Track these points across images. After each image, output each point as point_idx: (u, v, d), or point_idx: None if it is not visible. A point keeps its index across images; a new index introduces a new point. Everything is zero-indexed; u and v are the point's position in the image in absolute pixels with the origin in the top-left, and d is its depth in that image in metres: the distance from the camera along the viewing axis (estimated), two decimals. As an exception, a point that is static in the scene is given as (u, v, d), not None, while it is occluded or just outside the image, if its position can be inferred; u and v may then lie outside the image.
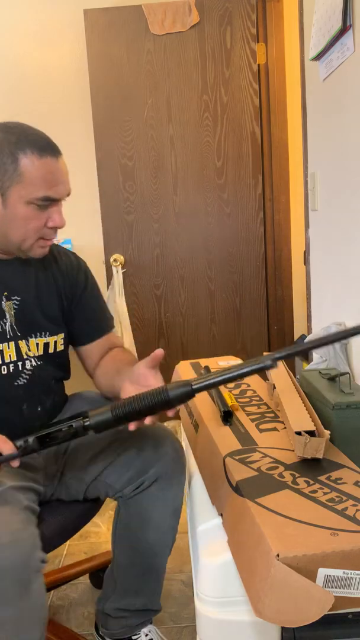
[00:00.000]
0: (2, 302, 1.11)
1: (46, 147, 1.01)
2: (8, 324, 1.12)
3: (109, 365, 1.23)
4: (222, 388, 1.29)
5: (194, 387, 0.84)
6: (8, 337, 1.12)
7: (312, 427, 0.92)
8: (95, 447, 1.17)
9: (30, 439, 0.91)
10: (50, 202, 1.04)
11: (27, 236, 1.05)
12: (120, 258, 2.48)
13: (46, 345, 1.18)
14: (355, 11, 1.18)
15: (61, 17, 2.50)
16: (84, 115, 2.52)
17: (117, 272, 2.45)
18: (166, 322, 2.59)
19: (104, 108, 2.44)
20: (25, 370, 1.14)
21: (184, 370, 1.47)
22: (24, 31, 2.51)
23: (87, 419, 0.90)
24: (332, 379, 1.11)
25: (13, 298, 1.12)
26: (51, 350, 1.19)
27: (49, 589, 1.48)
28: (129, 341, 2.30)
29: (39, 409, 1.18)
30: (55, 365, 1.21)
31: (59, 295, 1.21)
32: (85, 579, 1.53)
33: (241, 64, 2.40)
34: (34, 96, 2.56)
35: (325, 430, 0.92)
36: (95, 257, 2.61)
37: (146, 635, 1.23)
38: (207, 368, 1.38)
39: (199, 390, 0.84)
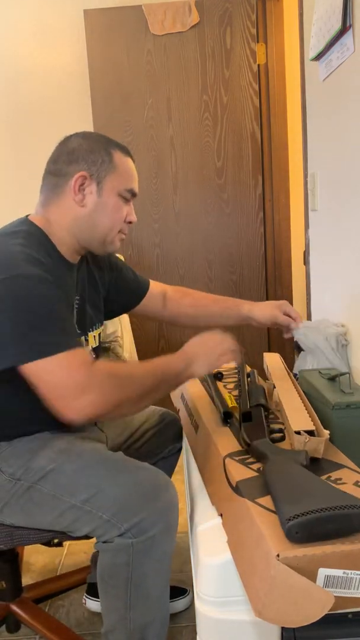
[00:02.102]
0: (76, 305, 1.16)
1: (127, 150, 1.15)
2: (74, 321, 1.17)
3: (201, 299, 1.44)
4: (222, 389, 1.29)
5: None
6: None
7: (311, 427, 0.92)
8: None
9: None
10: (131, 196, 1.14)
11: (114, 226, 1.12)
12: (120, 258, 2.48)
13: (97, 336, 1.26)
14: (355, 11, 1.18)
15: (61, 17, 2.50)
16: (84, 115, 2.52)
17: (117, 272, 2.44)
18: (166, 323, 2.59)
19: (104, 108, 2.44)
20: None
21: (184, 371, 1.47)
22: (23, 31, 2.51)
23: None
24: (332, 379, 1.11)
25: (76, 298, 1.17)
26: (98, 340, 1.28)
27: (48, 597, 1.48)
28: (128, 341, 2.29)
29: None
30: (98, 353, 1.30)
31: (100, 287, 1.28)
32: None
33: (241, 64, 2.40)
34: (34, 96, 2.56)
35: (325, 430, 0.92)
36: (95, 257, 2.61)
37: None
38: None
39: None
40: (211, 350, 1.09)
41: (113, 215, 1.11)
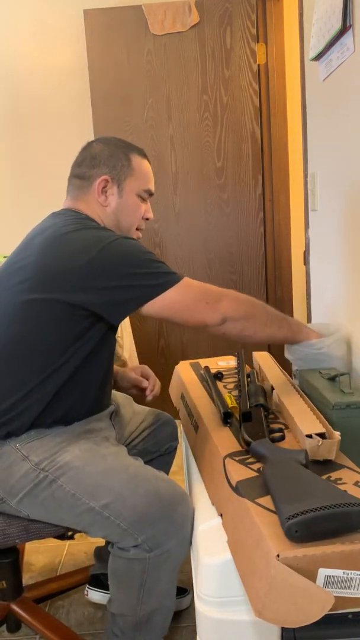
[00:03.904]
0: None
1: (143, 153, 1.25)
2: None
3: None
4: (222, 389, 1.29)
5: None
6: None
7: (321, 429, 0.92)
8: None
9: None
10: (148, 196, 1.25)
11: (133, 223, 1.23)
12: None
13: None
14: (355, 11, 1.18)
15: (61, 17, 2.50)
16: (84, 116, 2.52)
17: (117, 272, 2.44)
18: (166, 322, 2.59)
19: (104, 108, 2.44)
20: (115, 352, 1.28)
21: (184, 371, 1.47)
22: (24, 31, 2.52)
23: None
24: (332, 379, 1.11)
25: None
26: None
27: (49, 597, 1.48)
28: (128, 341, 2.30)
29: (112, 385, 1.28)
30: None
31: None
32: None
33: (241, 64, 2.40)
34: (34, 96, 2.56)
35: (335, 432, 0.91)
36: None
37: None
38: (207, 368, 1.38)
39: None
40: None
41: (133, 213, 1.22)
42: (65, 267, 1.02)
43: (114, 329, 1.15)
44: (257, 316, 1.10)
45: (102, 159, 1.19)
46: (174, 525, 0.98)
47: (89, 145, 1.23)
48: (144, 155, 1.24)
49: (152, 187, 1.24)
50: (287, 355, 1.27)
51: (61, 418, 1.11)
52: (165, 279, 1.04)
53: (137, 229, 1.25)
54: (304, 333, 1.19)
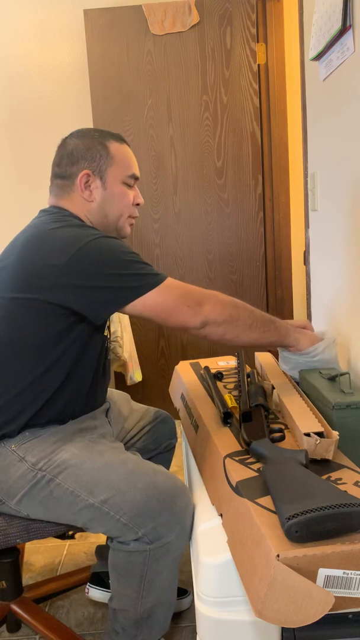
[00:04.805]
0: None
1: (121, 138, 1.21)
2: None
3: None
4: (222, 389, 1.29)
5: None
6: None
7: (320, 429, 0.92)
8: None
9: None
10: (134, 181, 1.21)
11: (123, 212, 1.20)
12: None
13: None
14: (355, 11, 1.18)
15: (61, 17, 2.50)
16: (84, 116, 2.52)
17: (117, 272, 2.44)
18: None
19: (104, 108, 2.44)
20: (107, 348, 1.26)
21: (184, 371, 1.47)
22: (24, 31, 2.52)
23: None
24: (332, 379, 1.11)
25: None
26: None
27: (49, 597, 1.48)
28: (128, 341, 2.30)
29: (106, 382, 1.27)
30: None
31: None
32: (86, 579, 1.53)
33: (241, 64, 2.40)
34: (34, 96, 2.56)
35: (334, 431, 0.92)
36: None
37: None
38: (207, 368, 1.38)
39: None
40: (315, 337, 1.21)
41: (121, 202, 1.19)
42: (44, 265, 1.01)
43: (101, 326, 1.14)
44: (240, 320, 1.07)
45: (80, 154, 1.16)
46: (174, 518, 0.98)
47: (64, 142, 1.20)
48: (121, 140, 1.20)
49: (136, 172, 1.21)
50: (281, 366, 1.27)
51: (55, 417, 1.12)
52: (146, 281, 1.02)
53: (129, 217, 1.22)
54: (292, 337, 1.16)
